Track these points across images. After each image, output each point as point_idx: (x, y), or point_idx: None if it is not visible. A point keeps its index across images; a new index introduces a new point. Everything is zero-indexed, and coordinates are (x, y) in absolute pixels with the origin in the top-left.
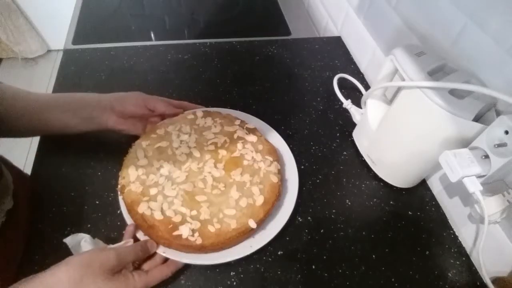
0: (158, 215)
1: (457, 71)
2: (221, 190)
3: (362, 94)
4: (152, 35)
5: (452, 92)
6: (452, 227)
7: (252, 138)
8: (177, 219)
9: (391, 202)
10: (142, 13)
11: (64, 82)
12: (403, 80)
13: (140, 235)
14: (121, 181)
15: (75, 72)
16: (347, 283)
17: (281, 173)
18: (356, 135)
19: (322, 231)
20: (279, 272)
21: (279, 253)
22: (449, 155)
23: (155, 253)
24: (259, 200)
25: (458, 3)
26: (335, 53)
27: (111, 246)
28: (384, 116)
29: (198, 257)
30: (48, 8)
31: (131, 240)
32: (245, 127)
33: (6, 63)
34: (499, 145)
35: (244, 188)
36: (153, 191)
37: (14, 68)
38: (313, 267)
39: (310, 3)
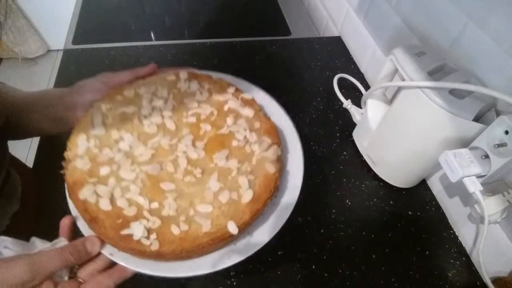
0: (105, 205)
1: (457, 71)
2: (196, 177)
3: (362, 94)
4: (152, 35)
5: (452, 92)
6: (452, 227)
7: (247, 112)
8: (130, 212)
9: (391, 202)
10: (142, 13)
11: (64, 82)
12: (403, 80)
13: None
14: (67, 154)
15: (75, 72)
16: (347, 283)
17: (281, 161)
18: (356, 135)
19: (322, 231)
20: (279, 272)
21: (279, 253)
22: (449, 155)
23: (100, 253)
24: (247, 195)
25: (458, 3)
26: (335, 53)
27: (39, 249)
28: (384, 116)
29: (156, 266)
30: (48, 8)
31: (62, 239)
32: (240, 97)
33: (6, 63)
34: (499, 145)
35: (228, 177)
36: (104, 170)
37: (14, 68)
38: (313, 267)
39: (310, 3)
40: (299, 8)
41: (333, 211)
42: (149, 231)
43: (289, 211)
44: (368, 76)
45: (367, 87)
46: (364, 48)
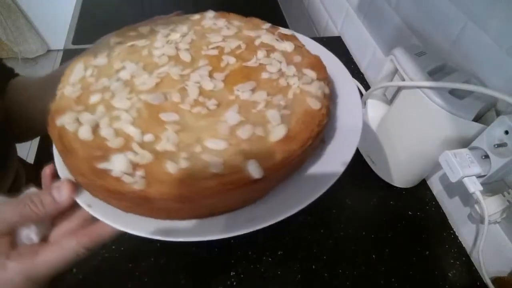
0: (84, 133)
1: (457, 71)
2: (209, 109)
3: (362, 94)
4: None
5: (452, 92)
6: (452, 227)
7: (286, 46)
8: (114, 143)
9: (391, 202)
10: (142, 13)
11: None
12: (403, 80)
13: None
14: (61, 84)
15: None
16: (347, 283)
17: (330, 101)
18: None
19: (322, 231)
20: (279, 272)
21: (279, 253)
22: (449, 155)
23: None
24: (278, 131)
25: (458, 3)
26: (335, 53)
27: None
28: (384, 116)
29: (145, 225)
30: (48, 8)
31: (32, 190)
32: (277, 33)
33: (6, 63)
34: (499, 145)
35: (252, 110)
36: (94, 98)
37: (14, 68)
38: (313, 267)
39: (310, 3)
40: (299, 8)
41: (333, 211)
42: (134, 166)
43: (341, 168)
44: (368, 76)
45: (367, 87)
46: (364, 48)
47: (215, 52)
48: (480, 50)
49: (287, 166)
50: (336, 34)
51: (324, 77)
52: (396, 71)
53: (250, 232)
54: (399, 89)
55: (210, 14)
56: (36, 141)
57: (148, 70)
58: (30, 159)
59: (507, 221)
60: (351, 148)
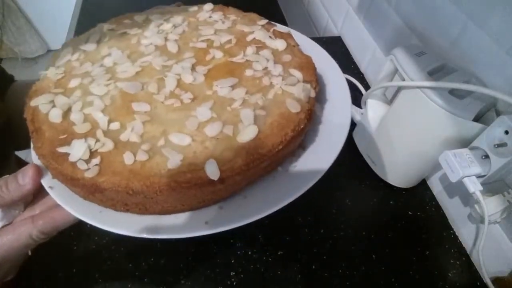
0: (55, 116)
1: (457, 71)
2: (183, 102)
3: (362, 94)
4: None
5: (452, 92)
6: (452, 227)
7: (277, 44)
8: (80, 128)
9: (391, 202)
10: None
11: None
12: (403, 80)
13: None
14: (47, 66)
15: None
16: (347, 283)
17: (314, 105)
18: (356, 135)
19: (322, 231)
20: (279, 272)
21: (279, 253)
22: (449, 155)
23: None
24: (247, 132)
25: (458, 3)
26: (335, 53)
27: None
28: (384, 116)
29: (100, 213)
30: (48, 8)
31: (8, 177)
32: (272, 30)
33: (6, 63)
34: (499, 145)
35: (227, 108)
36: (74, 82)
37: (14, 68)
38: (313, 267)
39: (310, 3)
40: (299, 8)
41: (333, 211)
42: (92, 153)
43: (311, 181)
44: (368, 76)
45: (367, 87)
46: (364, 48)
47: (203, 45)
48: (480, 50)
49: (249, 171)
50: (336, 34)
51: (312, 79)
52: (396, 71)
53: (252, 232)
54: (399, 89)
55: (208, 6)
56: None
57: (131, 59)
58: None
59: (507, 221)
60: (336, 149)
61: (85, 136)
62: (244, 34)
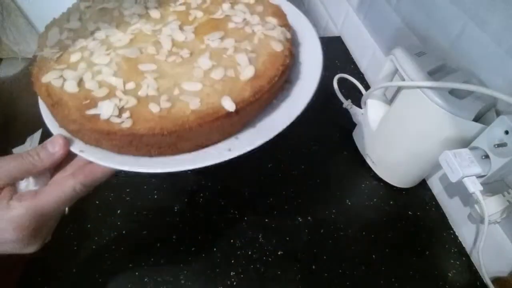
0: (70, 87)
1: (457, 71)
2: (183, 58)
3: (362, 94)
4: None
5: (452, 92)
6: (452, 227)
7: None
8: (100, 93)
9: (391, 202)
10: None
11: None
12: (403, 80)
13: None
14: (38, 48)
15: None
16: (347, 283)
17: (292, 44)
18: (356, 135)
19: (322, 231)
20: (279, 272)
21: (279, 253)
22: (449, 155)
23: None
24: (247, 71)
25: (458, 3)
26: (335, 53)
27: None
28: (384, 116)
29: (136, 161)
30: (48, 8)
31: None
32: None
33: (6, 62)
34: (499, 145)
35: (223, 55)
36: (75, 57)
37: (14, 68)
38: (313, 267)
39: (310, 3)
40: (298, 8)
41: (333, 211)
42: (121, 110)
43: (303, 103)
44: (368, 76)
45: (367, 87)
46: (364, 48)
47: (182, 8)
48: (480, 50)
49: (257, 100)
50: (336, 34)
51: (285, 23)
52: (396, 71)
53: (252, 232)
54: (399, 89)
55: None
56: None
57: (121, 29)
58: None
59: (507, 221)
60: (314, 84)
61: (107, 97)
62: None
